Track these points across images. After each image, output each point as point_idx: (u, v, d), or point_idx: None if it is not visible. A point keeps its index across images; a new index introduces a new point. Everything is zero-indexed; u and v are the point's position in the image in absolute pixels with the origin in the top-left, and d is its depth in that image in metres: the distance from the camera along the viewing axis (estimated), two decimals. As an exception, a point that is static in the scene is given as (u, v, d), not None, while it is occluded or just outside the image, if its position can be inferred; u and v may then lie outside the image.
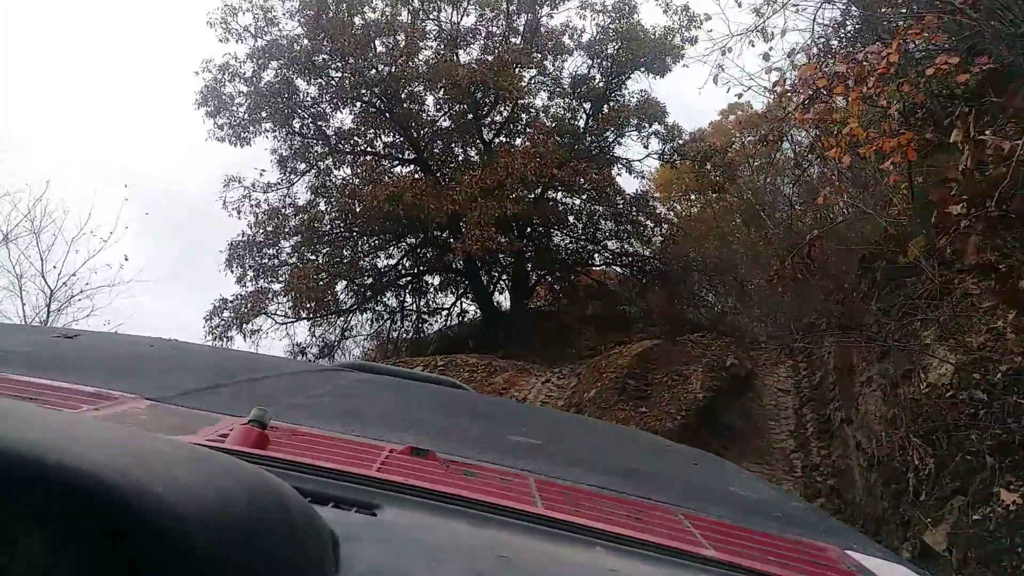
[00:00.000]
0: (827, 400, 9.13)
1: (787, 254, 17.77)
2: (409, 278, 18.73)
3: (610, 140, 18.48)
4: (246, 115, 17.12)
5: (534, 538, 0.93)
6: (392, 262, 18.48)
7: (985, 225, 4.69)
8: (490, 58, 16.86)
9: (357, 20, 17.01)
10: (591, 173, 16.18)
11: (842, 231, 13.00)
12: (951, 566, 5.13)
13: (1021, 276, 4.94)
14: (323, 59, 17.10)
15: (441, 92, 17.19)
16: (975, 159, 4.68)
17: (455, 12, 17.79)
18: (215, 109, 17.00)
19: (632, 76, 18.33)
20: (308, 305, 15.72)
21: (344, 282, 17.64)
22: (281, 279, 16.10)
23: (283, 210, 16.95)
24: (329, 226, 16.96)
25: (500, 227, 15.23)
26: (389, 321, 18.92)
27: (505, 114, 18.16)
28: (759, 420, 9.52)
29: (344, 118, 18.05)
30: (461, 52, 17.60)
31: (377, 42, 17.01)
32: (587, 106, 18.58)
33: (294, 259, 17.23)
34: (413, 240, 18.00)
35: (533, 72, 18.32)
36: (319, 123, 17.71)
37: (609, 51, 17.81)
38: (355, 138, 17.78)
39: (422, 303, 19.19)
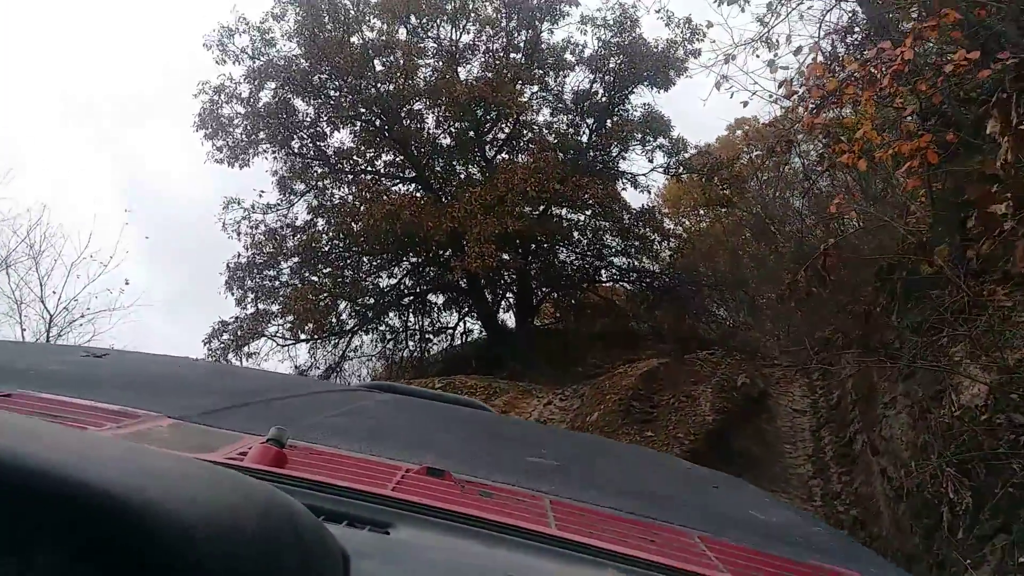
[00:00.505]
0: (847, 422, 8.41)
1: (799, 268, 17.13)
2: (411, 297, 18.11)
3: (614, 155, 17.89)
4: (244, 136, 16.66)
5: (546, 558, 0.92)
6: (394, 282, 17.88)
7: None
8: (490, 75, 16.33)
9: (355, 39, 16.54)
10: (595, 188, 15.55)
11: (855, 241, 12.30)
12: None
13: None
14: (321, 79, 16.64)
15: (442, 110, 16.68)
16: (1016, 152, 4.04)
17: (454, 29, 17.31)
18: (213, 131, 16.55)
19: (635, 91, 17.76)
20: (307, 327, 15.12)
21: (346, 303, 17.05)
22: (280, 301, 15.49)
23: (281, 231, 16.39)
24: (328, 246, 16.39)
25: (501, 244, 14.63)
26: (392, 342, 18.30)
27: (507, 131, 17.61)
28: (774, 443, 8.79)
29: (344, 138, 17.57)
30: (461, 69, 17.10)
31: (376, 61, 16.53)
32: (590, 121, 18.01)
33: (295, 280, 16.68)
34: (415, 259, 17.40)
35: (535, 88, 17.80)
36: (318, 143, 17.22)
37: (611, 65, 17.24)
38: (354, 157, 17.27)
39: (426, 323, 18.58)
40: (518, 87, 16.45)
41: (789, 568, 1.16)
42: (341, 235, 15.92)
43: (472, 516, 0.98)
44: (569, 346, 16.94)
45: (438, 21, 17.25)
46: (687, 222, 25.56)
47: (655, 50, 16.92)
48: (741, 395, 9.42)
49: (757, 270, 20.13)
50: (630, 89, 17.58)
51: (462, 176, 17.50)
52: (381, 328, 17.97)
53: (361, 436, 1.60)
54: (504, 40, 17.27)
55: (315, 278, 16.85)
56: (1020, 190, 3.85)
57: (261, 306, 16.04)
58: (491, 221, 13.80)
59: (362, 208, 14.62)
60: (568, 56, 17.83)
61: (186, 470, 0.55)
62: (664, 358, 12.56)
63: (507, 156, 17.40)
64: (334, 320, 16.84)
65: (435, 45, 17.30)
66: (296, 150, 17.31)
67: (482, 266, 13.52)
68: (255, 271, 16.51)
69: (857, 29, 12.53)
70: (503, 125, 17.45)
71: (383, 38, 16.49)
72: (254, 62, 16.32)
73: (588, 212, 17.75)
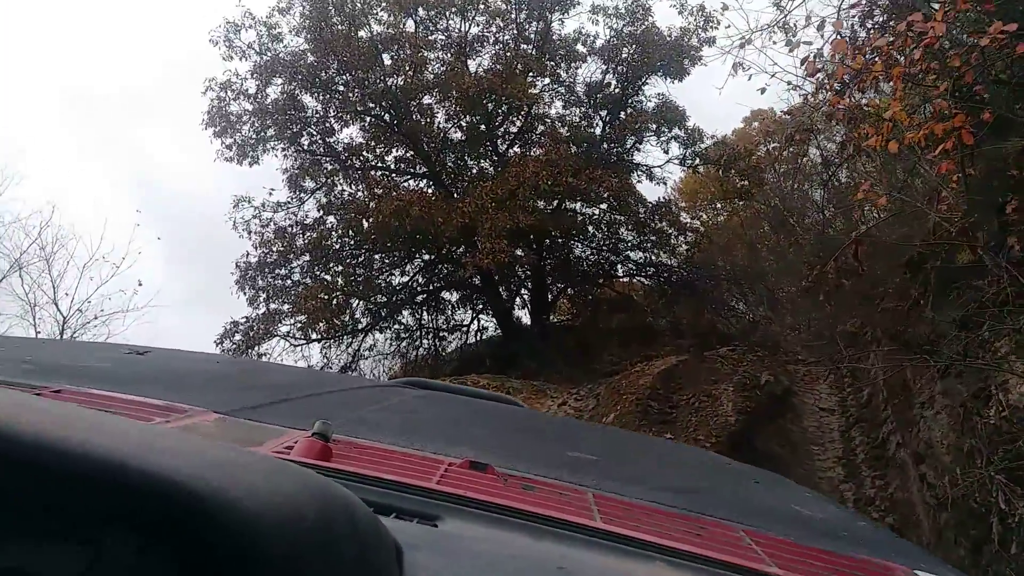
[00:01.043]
0: (879, 421, 7.83)
1: (824, 259, 16.51)
2: (425, 295, 17.63)
3: (628, 146, 17.29)
4: (252, 134, 16.25)
5: (593, 551, 0.91)
6: (406, 279, 17.41)
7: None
8: (500, 67, 15.79)
9: (363, 33, 16.07)
10: (609, 181, 14.97)
11: (877, 233, 11.68)
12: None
13: None
14: (329, 74, 16.18)
15: (452, 104, 16.18)
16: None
17: (463, 22, 16.79)
18: (221, 129, 16.15)
19: (649, 81, 17.15)
20: (319, 326, 14.68)
21: (359, 301, 16.60)
22: (291, 300, 15.05)
23: (291, 229, 15.96)
24: (339, 244, 15.93)
25: (514, 240, 14.12)
26: (407, 340, 17.83)
27: (519, 124, 17.07)
28: (800, 445, 8.22)
29: (353, 133, 17.12)
30: (471, 62, 16.59)
31: (384, 55, 16.04)
32: (603, 113, 17.42)
33: (307, 279, 16.25)
34: (428, 256, 16.91)
35: (546, 80, 17.24)
36: (327, 139, 16.79)
37: (624, 55, 16.64)
38: (364, 153, 16.80)
39: (440, 320, 18.10)
40: (529, 79, 15.89)
41: (836, 562, 1.14)
42: (351, 232, 15.46)
43: (518, 509, 0.97)
44: (585, 343, 16.41)
45: (447, 13, 16.73)
46: (704, 215, 24.96)
47: (668, 39, 16.32)
48: (764, 394, 8.84)
49: (776, 263, 19.56)
50: (643, 80, 16.98)
51: (474, 171, 17.01)
52: (395, 327, 17.52)
53: (400, 431, 1.60)
54: (514, 31, 16.72)
55: (327, 276, 16.43)
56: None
57: (273, 306, 15.62)
58: (503, 216, 13.28)
59: (372, 204, 14.14)
60: (580, 47, 17.27)
61: (248, 461, 0.55)
62: (683, 355, 12.01)
63: (519, 150, 16.85)
64: (347, 319, 16.41)
65: (444, 38, 16.78)
66: (306, 147, 16.89)
67: (494, 262, 13.01)
68: (266, 270, 16.11)
69: (878, 11, 11.86)
70: (514, 118, 16.92)
71: (391, 31, 16.00)
72: (261, 58, 15.90)
73: (603, 206, 17.19)
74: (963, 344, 6.28)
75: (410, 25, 16.44)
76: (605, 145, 17.01)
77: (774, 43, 13.03)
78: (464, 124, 16.83)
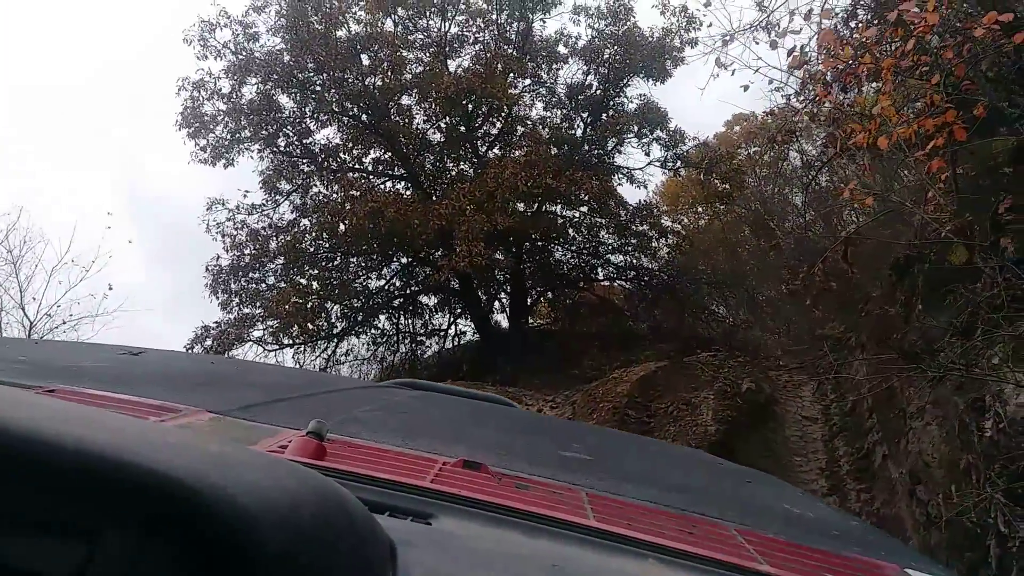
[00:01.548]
0: (864, 431, 7.38)
1: (805, 262, 16.13)
2: (402, 299, 17.07)
3: (609, 148, 16.84)
4: (227, 135, 15.68)
5: (586, 549, 0.91)
6: (383, 283, 16.85)
7: None
8: (480, 67, 15.29)
9: (341, 33, 15.55)
10: (590, 183, 14.51)
11: (864, 232, 11.29)
12: None
13: None
14: (306, 74, 15.64)
15: (431, 104, 15.67)
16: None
17: (443, 22, 16.30)
18: (196, 130, 15.57)
19: (631, 83, 16.74)
20: (292, 330, 14.10)
21: (335, 305, 16.02)
22: (263, 304, 14.44)
23: (264, 231, 15.37)
24: (313, 247, 15.35)
25: (492, 242, 13.62)
26: (384, 345, 17.26)
27: (499, 126, 16.59)
28: (783, 455, 7.76)
29: (330, 134, 16.56)
30: (451, 63, 16.11)
31: (363, 55, 15.52)
32: (584, 115, 16.99)
33: (282, 283, 15.66)
34: (405, 259, 16.36)
35: (527, 81, 16.77)
36: (304, 140, 16.22)
37: (606, 56, 16.21)
38: (341, 155, 16.26)
39: (418, 325, 17.53)
40: (510, 79, 15.41)
41: (828, 560, 1.14)
42: (325, 235, 14.88)
43: (512, 508, 0.97)
44: (565, 347, 15.92)
45: (427, 13, 16.24)
46: (685, 219, 24.59)
47: (650, 40, 15.91)
48: (746, 401, 8.38)
49: (757, 267, 19.23)
50: (625, 81, 16.57)
51: (453, 173, 16.48)
52: (372, 331, 16.94)
53: (395, 430, 1.59)
54: (495, 32, 16.25)
55: (302, 280, 15.86)
56: None
57: (246, 310, 15.01)
58: (480, 218, 12.79)
59: (347, 206, 13.58)
60: (561, 48, 16.84)
61: (244, 458, 0.55)
62: (662, 360, 11.55)
63: (499, 152, 16.35)
64: (323, 323, 15.85)
65: (423, 37, 16.30)
66: (282, 148, 16.33)
67: (471, 265, 12.50)
68: (239, 274, 15.52)
69: (861, 11, 11.46)
70: (494, 120, 16.45)
71: (369, 31, 15.49)
72: (236, 57, 15.33)
73: (584, 209, 16.73)
74: (956, 352, 5.83)
75: (389, 25, 15.95)
76: (586, 147, 16.57)
77: (756, 42, 12.42)
78: (443, 125, 16.33)
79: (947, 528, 5.00)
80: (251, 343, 14.88)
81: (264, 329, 14.14)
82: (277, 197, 16.18)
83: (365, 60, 15.51)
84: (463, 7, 16.26)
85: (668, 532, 1.05)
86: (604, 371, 12.70)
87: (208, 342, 14.70)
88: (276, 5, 15.18)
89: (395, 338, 17.14)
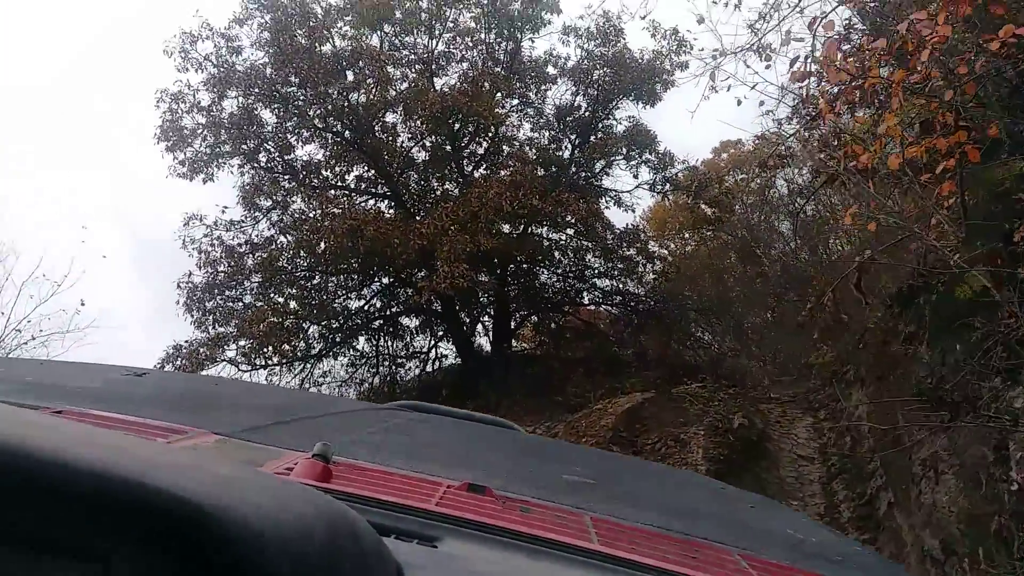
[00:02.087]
0: (866, 474, 6.71)
1: (799, 288, 15.55)
2: (382, 320, 16.32)
3: (597, 170, 16.29)
4: (206, 149, 14.99)
5: (590, 573, 0.90)
6: (363, 303, 16.10)
7: None
8: (466, 86, 14.69)
9: (326, 48, 14.96)
10: (577, 205, 13.90)
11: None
12: None
13: None
14: (289, 89, 15.01)
15: (416, 122, 15.06)
16: None
17: (430, 39, 15.73)
18: (174, 143, 14.87)
19: (620, 105, 16.21)
20: (265, 350, 13.34)
21: (314, 325, 15.27)
22: (235, 323, 13.66)
23: (239, 248, 14.63)
24: (290, 265, 14.60)
25: (475, 263, 12.94)
26: (365, 367, 16.48)
27: (485, 146, 15.98)
28: (778, 498, 7.04)
29: (312, 151, 15.90)
30: (437, 80, 15.50)
31: (348, 71, 14.91)
32: (572, 136, 16.43)
33: (259, 302, 14.90)
34: (387, 279, 15.64)
35: (515, 101, 16.22)
36: (285, 156, 15.54)
37: (595, 77, 15.67)
38: (324, 172, 15.60)
39: (399, 347, 16.76)
40: (497, 98, 14.84)
41: None
42: (303, 253, 14.14)
43: (516, 531, 0.96)
44: (549, 372, 15.21)
45: (415, 31, 15.68)
46: (672, 245, 24.06)
47: (641, 62, 15.40)
48: (737, 438, 7.69)
49: (744, 294, 18.72)
50: (615, 103, 16.04)
51: (438, 192, 15.85)
52: (351, 353, 16.16)
53: (399, 453, 1.55)
54: (483, 51, 15.68)
55: (280, 299, 15.12)
56: None
57: (221, 329, 14.22)
58: (463, 239, 12.12)
59: (326, 224, 12.86)
60: (550, 69, 16.28)
61: (254, 480, 0.55)
62: (648, 390, 10.88)
63: (486, 172, 15.72)
64: (300, 343, 15.10)
65: (410, 55, 15.71)
66: (263, 164, 15.64)
67: (452, 287, 11.82)
68: (215, 291, 14.75)
69: (855, 36, 10.96)
70: (481, 139, 15.85)
71: (354, 46, 14.90)
72: (218, 70, 14.68)
73: (570, 231, 16.11)
74: (972, 392, 5.18)
75: (375, 40, 15.36)
76: (573, 168, 16.00)
77: (747, 66, 11.90)
78: (428, 144, 15.73)
79: (972, 596, 4.32)
80: (224, 363, 14.14)
81: (237, 349, 13.36)
82: (256, 214, 15.47)
83: (350, 76, 14.91)
84: (451, 25, 15.72)
85: (671, 556, 1.03)
86: (589, 398, 12.03)
87: (179, 362, 13.91)
88: (259, 18, 14.57)
89: (375, 360, 16.37)
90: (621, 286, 16.76)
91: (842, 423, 7.61)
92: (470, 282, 12.14)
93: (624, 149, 15.69)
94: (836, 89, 6.14)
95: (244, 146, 15.19)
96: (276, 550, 0.44)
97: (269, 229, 15.16)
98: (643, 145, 15.60)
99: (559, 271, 16.63)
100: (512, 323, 16.89)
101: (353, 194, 15.59)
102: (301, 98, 14.88)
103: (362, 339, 16.24)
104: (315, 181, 15.45)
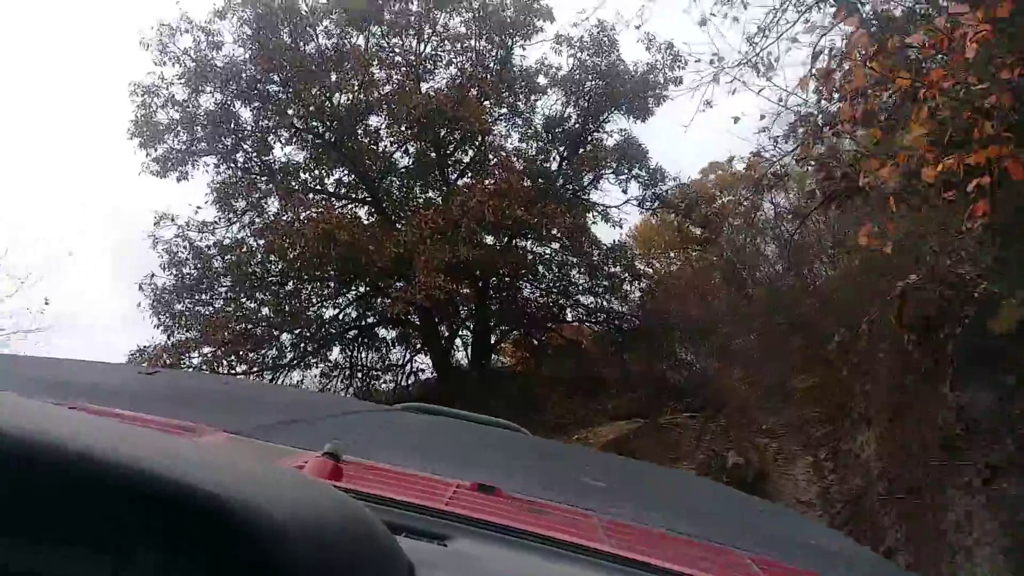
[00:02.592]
0: (879, 527, 5.79)
1: (787, 312, 14.74)
2: (356, 331, 15.31)
3: (585, 184, 15.42)
4: (181, 145, 14.01)
5: (603, 574, 0.88)
6: (337, 312, 15.09)
7: None
8: (453, 92, 13.79)
9: (310, 47, 14.06)
10: (563, 218, 13.04)
11: (862, 283, 9.90)
12: None
13: None
14: (269, 87, 14.08)
15: (402, 127, 14.14)
16: None
17: (418, 43, 14.86)
18: (148, 139, 13.88)
19: (611, 118, 15.39)
20: (229, 360, 12.31)
21: (287, 334, 14.25)
22: (198, 328, 12.60)
23: (208, 250, 13.61)
24: (260, 269, 13.59)
25: (455, 275, 11.98)
26: (337, 378, 15.43)
27: (471, 154, 15.08)
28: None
29: (293, 153, 14.95)
30: (424, 84, 14.61)
31: (332, 72, 14.00)
32: (561, 148, 15.56)
33: (230, 307, 13.88)
34: (364, 288, 14.64)
35: (504, 110, 15.36)
36: (263, 156, 14.57)
37: (587, 88, 14.85)
38: (302, 174, 14.64)
39: (374, 358, 15.74)
40: (485, 105, 13.97)
41: None
42: (272, 258, 13.14)
43: (528, 531, 0.94)
44: (529, 391, 14.29)
45: (403, 34, 14.80)
46: (657, 264, 23.28)
47: (634, 75, 14.59)
48: (732, 478, 6.78)
49: (729, 316, 17.98)
50: (605, 116, 15.21)
51: (420, 200, 14.91)
52: (323, 363, 15.11)
53: (408, 453, 1.52)
54: (473, 57, 14.82)
55: (253, 305, 14.12)
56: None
57: (186, 334, 13.16)
58: (441, 248, 11.19)
59: (296, 227, 11.86)
60: (541, 79, 15.44)
61: (275, 476, 0.55)
62: (633, 414, 10.00)
63: (471, 180, 14.80)
64: (274, 351, 14.10)
65: (397, 57, 14.81)
66: (240, 163, 14.67)
67: (428, 299, 10.87)
68: (183, 294, 13.72)
69: (859, 52, 10.22)
70: (467, 147, 14.95)
71: (338, 44, 14.01)
72: (197, 65, 13.71)
73: (555, 245, 15.22)
74: (1017, 445, 4.31)
75: (360, 41, 14.46)
76: (561, 181, 15.15)
77: (744, 83, 11.06)
78: (412, 149, 14.82)
79: None
80: (190, 370, 13.09)
81: (199, 356, 12.31)
82: (231, 215, 14.46)
83: (333, 76, 13.99)
84: (440, 29, 14.85)
85: (684, 559, 1.00)
86: (571, 418, 11.13)
87: (143, 366, 12.86)
88: (241, 12, 13.63)
89: (348, 372, 15.34)
90: (606, 303, 15.87)
91: (845, 461, 6.72)
92: (448, 294, 11.19)
93: (614, 163, 14.87)
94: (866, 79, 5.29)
95: (221, 144, 14.24)
96: (298, 546, 0.43)
97: (240, 231, 14.15)
98: (634, 159, 14.79)
99: (543, 286, 15.72)
100: (492, 338, 15.95)
101: (332, 198, 14.62)
102: (281, 96, 13.94)
103: (336, 349, 15.25)
104: (294, 184, 14.48)
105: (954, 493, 4.70)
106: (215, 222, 14.30)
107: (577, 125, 15.35)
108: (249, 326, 13.25)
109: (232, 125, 14.14)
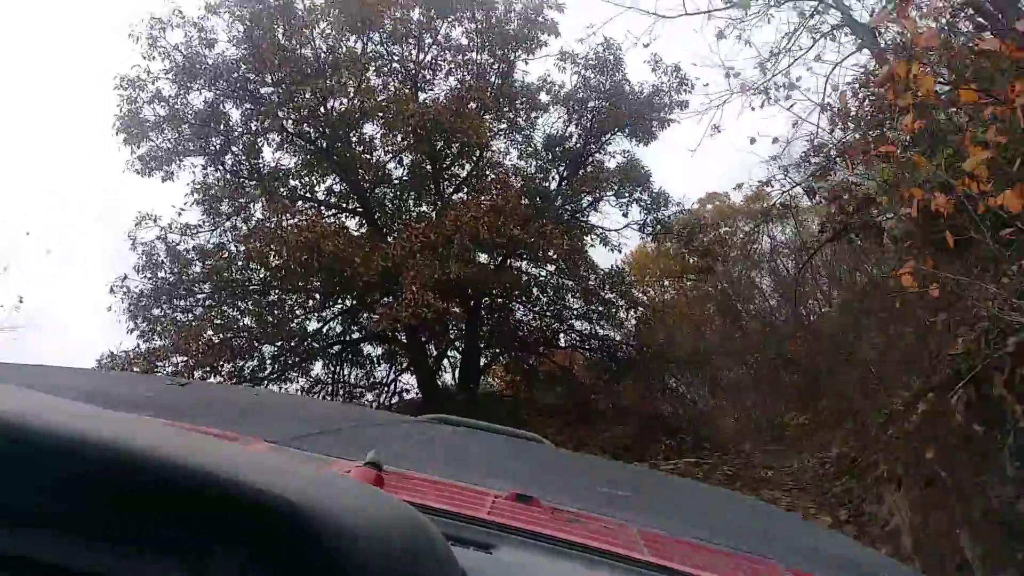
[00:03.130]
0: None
1: (778, 346, 13.90)
2: (341, 346, 14.33)
3: (585, 205, 14.57)
4: (168, 144, 13.10)
5: None
6: (321, 325, 14.12)
7: None
8: (453, 105, 12.93)
9: (306, 51, 13.21)
10: (560, 240, 12.17)
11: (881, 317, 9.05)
12: None
13: None
14: (263, 88, 13.22)
15: (398, 137, 13.29)
16: None
17: (419, 52, 14.04)
18: (133, 135, 12.96)
19: (613, 139, 14.59)
20: (202, 371, 11.31)
21: (270, 346, 13.27)
22: (168, 336, 11.60)
23: (186, 254, 12.66)
24: (241, 276, 12.63)
25: (446, 293, 11.06)
26: (319, 394, 14.43)
27: (468, 168, 14.21)
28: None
29: (283, 158, 14.06)
30: (422, 95, 13.75)
31: (327, 77, 13.14)
32: (561, 167, 14.72)
33: (211, 315, 12.90)
34: (351, 302, 13.69)
35: (504, 126, 14.53)
36: (253, 160, 13.66)
37: (590, 107, 14.05)
38: (291, 180, 13.74)
39: (359, 375, 14.76)
40: (485, 118, 13.12)
41: None
42: (251, 265, 12.19)
43: (569, 541, 0.93)
44: (518, 417, 13.29)
45: (403, 42, 13.97)
46: (651, 291, 22.42)
47: (639, 96, 13.80)
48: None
49: (722, 347, 17.19)
50: (608, 136, 14.39)
51: (414, 214, 14.01)
52: (305, 378, 14.11)
53: (441, 463, 1.53)
54: (474, 70, 13.99)
55: (236, 313, 13.16)
56: None
57: (161, 342, 12.16)
58: (431, 264, 10.29)
59: (279, 235, 10.90)
60: (543, 96, 14.63)
61: (339, 482, 0.54)
62: (627, 448, 9.07)
63: (466, 196, 13.92)
64: (254, 363, 13.12)
65: (396, 65, 13.98)
66: (228, 166, 13.75)
67: (413, 316, 9.94)
68: (162, 299, 12.76)
69: (872, 81, 9.46)
70: (464, 161, 14.08)
71: (333, 44, 13.17)
72: (186, 61, 12.84)
73: (551, 267, 14.33)
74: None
75: (358, 47, 13.62)
76: (560, 201, 14.29)
77: (752, 109, 10.22)
78: (408, 161, 13.94)
79: None
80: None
81: (170, 366, 11.30)
82: (216, 219, 13.52)
83: (329, 82, 13.13)
84: (441, 40, 14.04)
85: (722, 569, 1.00)
86: (560, 446, 10.11)
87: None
88: (235, 9, 12.77)
89: (331, 388, 14.34)
90: (600, 330, 14.97)
91: (870, 528, 5.78)
92: (436, 313, 10.25)
93: (615, 185, 14.03)
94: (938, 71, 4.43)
95: (209, 145, 13.34)
96: (367, 551, 0.44)
97: (221, 236, 13.19)
98: (636, 183, 13.98)
99: (536, 309, 14.81)
100: (482, 360, 14.99)
101: (321, 207, 13.71)
102: (274, 98, 13.06)
103: (319, 364, 14.26)
104: (282, 190, 13.55)
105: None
106: (199, 225, 13.39)
107: (578, 145, 14.53)
108: (229, 335, 12.30)
109: (221, 126, 13.26)
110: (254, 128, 13.44)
